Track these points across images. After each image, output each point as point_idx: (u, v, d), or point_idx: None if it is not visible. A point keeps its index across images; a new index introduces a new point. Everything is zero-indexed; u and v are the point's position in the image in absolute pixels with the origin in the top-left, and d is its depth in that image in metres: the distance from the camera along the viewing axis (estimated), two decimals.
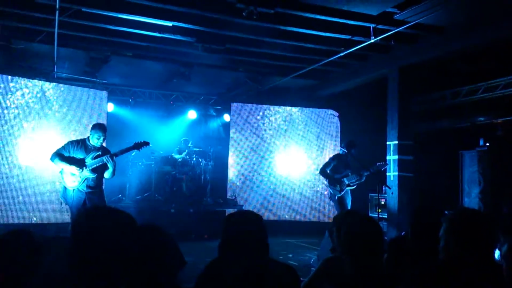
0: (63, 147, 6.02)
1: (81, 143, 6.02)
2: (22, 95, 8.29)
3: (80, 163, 5.86)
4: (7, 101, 8.11)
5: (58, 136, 8.55)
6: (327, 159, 8.45)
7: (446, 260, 2.21)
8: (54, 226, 8.18)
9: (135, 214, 2.23)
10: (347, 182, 7.54)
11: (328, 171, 7.67)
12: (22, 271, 2.02)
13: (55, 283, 1.99)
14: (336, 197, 7.57)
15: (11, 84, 8.20)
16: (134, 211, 8.36)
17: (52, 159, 5.97)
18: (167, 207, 9.43)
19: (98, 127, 6.05)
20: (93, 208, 2.45)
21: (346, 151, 7.62)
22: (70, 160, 5.87)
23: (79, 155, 5.94)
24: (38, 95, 8.49)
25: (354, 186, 7.61)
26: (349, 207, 7.51)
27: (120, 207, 2.07)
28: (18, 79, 8.31)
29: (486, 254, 2.21)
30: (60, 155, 5.90)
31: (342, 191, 7.52)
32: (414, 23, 6.92)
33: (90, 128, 6.15)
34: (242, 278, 2.28)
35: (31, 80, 8.45)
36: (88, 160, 5.93)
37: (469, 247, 2.16)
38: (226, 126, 11.38)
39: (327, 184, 7.80)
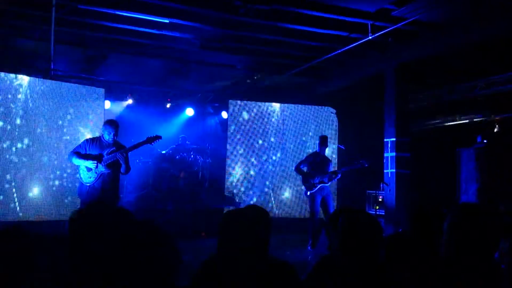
0: (80, 146, 6.20)
1: (96, 140, 6.18)
2: (19, 93, 8.24)
3: (96, 158, 5.98)
4: (4, 99, 8.06)
5: (55, 134, 8.52)
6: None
7: (446, 256, 2.20)
8: (49, 224, 8.14)
9: (132, 211, 2.21)
10: (318, 179, 7.56)
11: (301, 168, 7.77)
12: (14, 271, 1.91)
13: (50, 284, 1.93)
14: (309, 193, 7.64)
15: (8, 82, 8.15)
16: (131, 208, 8.32)
17: (69, 158, 6.18)
18: (164, 204, 9.42)
19: (108, 123, 6.22)
20: (90, 205, 2.43)
21: (319, 147, 7.82)
22: (87, 157, 6.01)
23: (94, 152, 6.06)
24: (35, 93, 8.44)
25: (328, 184, 7.67)
26: (329, 205, 7.57)
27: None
28: (15, 76, 8.26)
29: (488, 253, 2.19)
30: (77, 153, 6.05)
31: (314, 188, 7.55)
32: (411, 20, 6.92)
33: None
34: (239, 276, 2.26)
35: (28, 77, 8.39)
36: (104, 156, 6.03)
37: (471, 244, 2.14)
38: (224, 123, 11.35)
39: (301, 181, 7.91)
